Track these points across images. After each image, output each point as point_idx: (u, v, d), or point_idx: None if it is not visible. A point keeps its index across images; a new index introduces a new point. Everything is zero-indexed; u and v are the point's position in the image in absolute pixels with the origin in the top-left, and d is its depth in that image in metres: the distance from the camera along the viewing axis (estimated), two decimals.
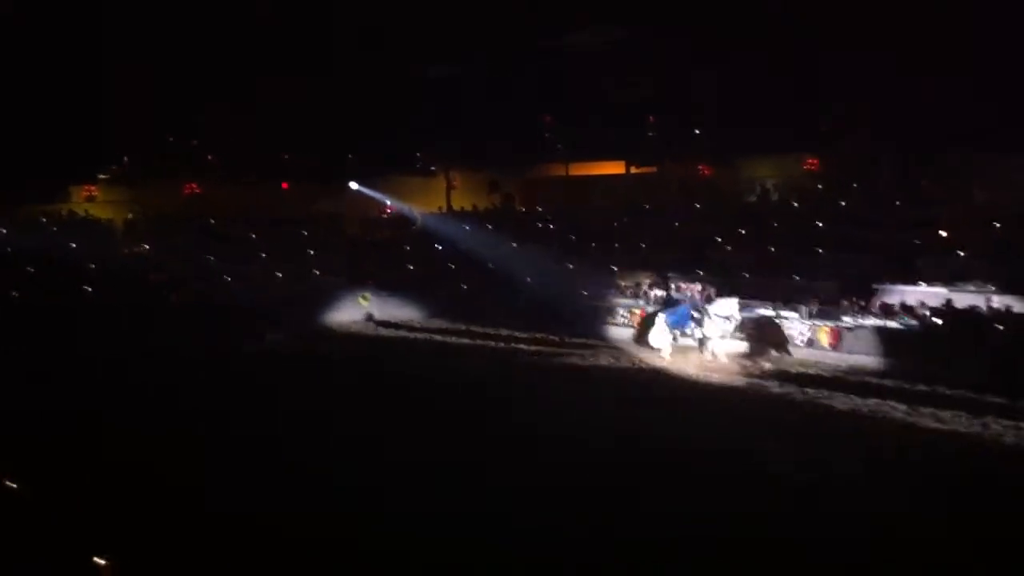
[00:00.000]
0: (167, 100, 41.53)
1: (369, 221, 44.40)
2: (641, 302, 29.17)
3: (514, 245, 35.59)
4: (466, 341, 28.24)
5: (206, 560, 11.51)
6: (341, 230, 43.13)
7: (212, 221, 42.84)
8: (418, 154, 45.88)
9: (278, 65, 41.28)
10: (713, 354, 23.77)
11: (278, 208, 43.69)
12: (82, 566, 10.47)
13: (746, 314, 24.61)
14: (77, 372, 22.78)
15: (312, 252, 39.18)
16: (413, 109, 42.03)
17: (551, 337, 27.86)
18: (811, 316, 24.92)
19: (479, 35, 40.05)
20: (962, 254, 26.15)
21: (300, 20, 42.26)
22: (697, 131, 39.11)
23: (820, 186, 35.98)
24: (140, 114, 41.45)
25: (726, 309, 23.82)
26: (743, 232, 32.89)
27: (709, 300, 24.77)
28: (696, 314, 24.11)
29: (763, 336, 24.67)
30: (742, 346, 24.64)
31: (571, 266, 32.90)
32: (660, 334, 24.50)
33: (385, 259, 38.24)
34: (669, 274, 30.24)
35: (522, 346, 27.09)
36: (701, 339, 24.16)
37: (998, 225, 27.48)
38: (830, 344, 24.18)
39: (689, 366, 23.46)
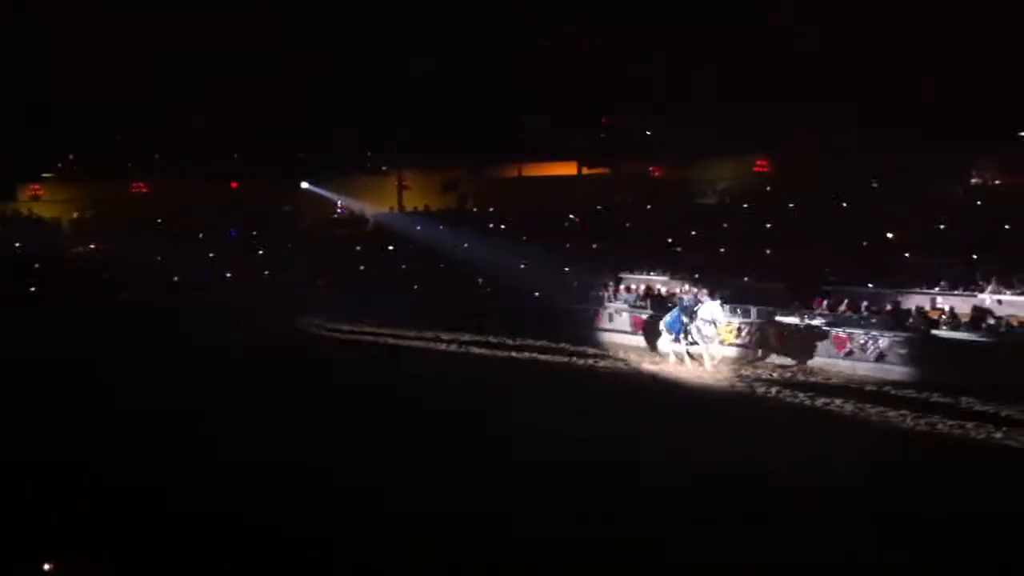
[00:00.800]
0: (114, 97, 40.82)
1: (320, 220, 44.16)
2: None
3: (466, 245, 35.64)
4: (418, 344, 28.02)
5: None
6: (292, 229, 42.83)
7: (160, 221, 42.35)
8: (369, 153, 45.65)
9: (228, 63, 40.79)
10: (698, 358, 23.79)
11: (228, 207, 43.24)
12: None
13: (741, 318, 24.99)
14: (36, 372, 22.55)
15: (262, 252, 38.91)
16: (365, 108, 41.76)
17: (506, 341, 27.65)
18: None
19: (432, 35, 39.93)
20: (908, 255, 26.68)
21: (250, 17, 41.80)
22: (649, 132, 39.39)
23: (769, 188, 36.41)
24: (86, 112, 40.73)
25: (709, 313, 23.60)
26: (694, 233, 33.22)
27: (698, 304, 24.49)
28: (685, 319, 23.90)
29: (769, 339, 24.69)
30: (728, 350, 24.66)
31: (523, 266, 32.92)
32: (664, 339, 24.77)
33: (338, 258, 38.11)
34: (622, 275, 30.42)
35: (474, 349, 26.97)
36: (690, 343, 24.00)
37: (943, 227, 28.06)
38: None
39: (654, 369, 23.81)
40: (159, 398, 20.03)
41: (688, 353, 23.98)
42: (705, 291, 25.16)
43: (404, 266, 36.29)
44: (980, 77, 29.89)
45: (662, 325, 24.74)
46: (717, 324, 23.77)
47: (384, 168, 45.38)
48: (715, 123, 34.94)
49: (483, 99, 39.36)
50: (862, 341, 22.88)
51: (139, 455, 15.47)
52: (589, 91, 38.54)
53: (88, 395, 20.20)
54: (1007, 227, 27.11)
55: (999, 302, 22.90)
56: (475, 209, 43.59)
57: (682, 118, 36.44)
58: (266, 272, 36.85)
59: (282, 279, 35.55)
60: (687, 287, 26.45)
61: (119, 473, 14.60)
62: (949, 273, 24.44)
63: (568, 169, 42.97)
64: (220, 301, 32.65)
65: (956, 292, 23.57)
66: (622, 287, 29.51)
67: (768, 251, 29.81)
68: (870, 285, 25.40)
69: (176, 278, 36.20)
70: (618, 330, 27.90)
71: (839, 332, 23.33)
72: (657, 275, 29.72)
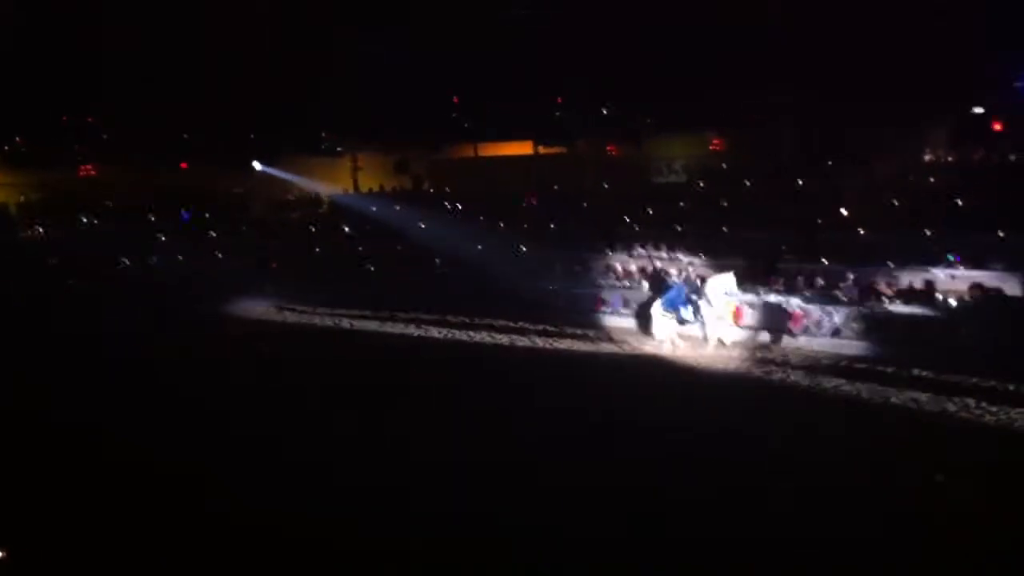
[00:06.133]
0: (61, 79, 39.90)
1: (274, 202, 43.68)
2: None
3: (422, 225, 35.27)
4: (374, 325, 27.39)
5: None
6: (246, 211, 42.33)
7: (109, 204, 41.65)
8: (323, 134, 45.14)
9: (177, 42, 40.00)
10: (709, 338, 21.81)
11: (179, 189, 42.58)
12: None
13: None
14: None
15: (215, 234, 38.36)
16: (317, 88, 41.21)
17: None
18: None
19: (384, 11, 39.46)
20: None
21: None
22: (605, 111, 39.30)
23: (724, 165, 36.50)
24: (32, 93, 39.80)
25: (725, 286, 22.08)
26: (651, 211, 33.15)
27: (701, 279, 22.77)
28: (694, 296, 21.78)
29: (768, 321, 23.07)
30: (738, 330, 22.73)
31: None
32: (660, 321, 22.32)
33: (291, 240, 37.69)
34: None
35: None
36: (700, 323, 21.91)
37: (897, 203, 28.24)
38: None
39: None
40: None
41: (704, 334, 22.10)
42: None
43: (361, 248, 35.86)
44: (930, 50, 29.94)
45: (659, 307, 22.37)
46: (732, 296, 22.21)
47: (339, 149, 44.90)
48: (671, 101, 34.96)
49: (436, 78, 39.05)
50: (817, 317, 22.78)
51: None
52: (544, 68, 38.24)
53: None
54: (959, 203, 27.29)
55: (952, 277, 23.10)
56: (431, 190, 43.35)
57: (638, 95, 36.38)
58: (219, 255, 36.26)
59: (234, 260, 35.06)
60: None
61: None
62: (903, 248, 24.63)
63: (524, 148, 42.79)
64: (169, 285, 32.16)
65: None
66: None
67: (724, 228, 29.69)
68: (824, 261, 25.45)
69: (126, 262, 35.54)
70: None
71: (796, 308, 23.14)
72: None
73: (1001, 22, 29.01)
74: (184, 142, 43.65)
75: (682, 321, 22.09)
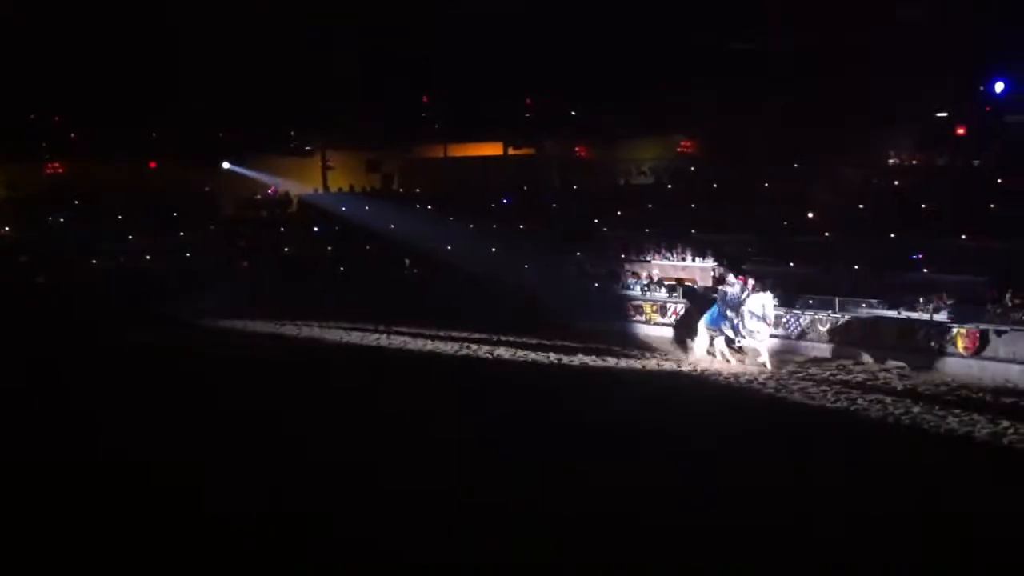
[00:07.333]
0: (27, 75, 39.45)
1: (243, 201, 43.41)
2: None
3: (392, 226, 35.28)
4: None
5: None
6: (215, 210, 42.06)
7: (76, 202, 41.22)
8: (292, 133, 44.88)
9: (145, 39, 39.68)
10: (762, 355, 21.37)
11: (146, 188, 42.19)
12: None
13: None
14: None
15: (183, 233, 38.16)
16: (288, 87, 40.99)
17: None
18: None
19: (354, 10, 39.36)
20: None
21: None
22: (574, 112, 39.43)
23: (693, 168, 36.69)
24: None
25: (759, 307, 21.04)
26: (619, 213, 33.33)
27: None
28: (731, 313, 21.49)
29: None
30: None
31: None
32: (701, 335, 22.44)
33: (260, 240, 37.57)
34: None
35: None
36: (738, 338, 21.65)
37: (862, 207, 28.56)
38: None
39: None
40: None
41: (738, 349, 21.82)
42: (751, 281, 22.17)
43: (330, 248, 35.82)
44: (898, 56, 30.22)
45: (702, 323, 22.35)
46: (767, 320, 21.21)
47: (308, 148, 44.67)
48: (639, 103, 35.13)
49: (408, 78, 39.00)
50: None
51: None
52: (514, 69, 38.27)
53: None
54: (923, 206, 27.64)
55: None
56: (400, 190, 43.29)
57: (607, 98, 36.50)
58: (187, 255, 36.08)
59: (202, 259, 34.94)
60: (731, 277, 22.91)
61: None
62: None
63: (494, 149, 42.82)
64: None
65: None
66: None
67: (693, 231, 29.88)
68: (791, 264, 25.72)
69: (95, 261, 35.37)
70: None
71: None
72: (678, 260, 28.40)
73: (966, 28, 29.39)
74: (152, 140, 43.23)
75: (731, 339, 21.80)
